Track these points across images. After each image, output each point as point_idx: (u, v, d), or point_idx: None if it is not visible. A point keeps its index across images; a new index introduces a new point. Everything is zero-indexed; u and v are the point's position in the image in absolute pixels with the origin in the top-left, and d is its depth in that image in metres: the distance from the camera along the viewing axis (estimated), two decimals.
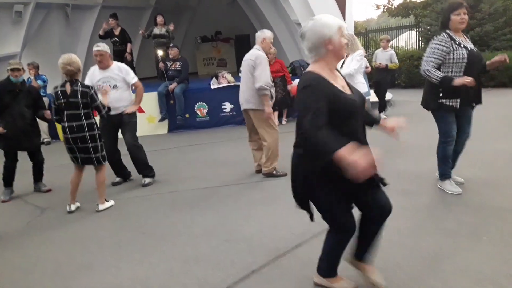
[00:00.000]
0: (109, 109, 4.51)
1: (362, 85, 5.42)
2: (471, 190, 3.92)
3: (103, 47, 4.84)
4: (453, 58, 3.59)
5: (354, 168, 1.84)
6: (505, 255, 2.75)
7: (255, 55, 4.73)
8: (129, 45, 9.44)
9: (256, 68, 4.66)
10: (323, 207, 2.29)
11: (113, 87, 4.84)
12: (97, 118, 4.53)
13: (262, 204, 4.09)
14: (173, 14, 14.16)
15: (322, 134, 1.96)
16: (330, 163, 1.95)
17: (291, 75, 8.40)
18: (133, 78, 5.02)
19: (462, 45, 3.60)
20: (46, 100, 7.56)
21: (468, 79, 3.46)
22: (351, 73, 5.07)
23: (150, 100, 8.18)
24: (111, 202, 4.45)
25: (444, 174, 3.95)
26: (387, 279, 2.56)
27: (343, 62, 5.32)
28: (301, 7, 9.36)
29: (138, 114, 5.21)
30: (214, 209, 4.09)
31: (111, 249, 3.42)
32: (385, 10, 20.99)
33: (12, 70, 4.81)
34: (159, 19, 9.40)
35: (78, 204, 4.45)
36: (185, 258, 3.14)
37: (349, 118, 2.13)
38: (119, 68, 4.94)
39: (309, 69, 2.20)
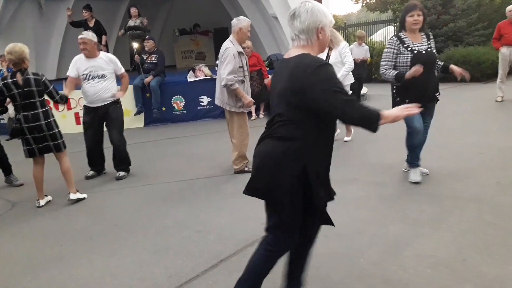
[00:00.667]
0: (66, 99, 4.50)
1: (349, 76, 5.62)
2: (435, 181, 4.07)
3: (87, 35, 4.81)
4: (399, 61, 3.79)
5: (402, 116, 1.94)
6: (461, 242, 2.89)
7: (224, 49, 4.62)
8: (104, 37, 9.30)
9: (221, 64, 4.57)
10: (287, 209, 2.05)
11: (101, 77, 4.83)
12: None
13: (235, 197, 4.14)
14: (151, 6, 14.01)
15: (359, 104, 1.90)
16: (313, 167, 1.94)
17: (268, 69, 8.46)
18: (121, 69, 5.06)
19: (409, 48, 3.75)
20: None
21: (412, 69, 3.60)
22: (351, 66, 5.43)
23: (126, 93, 8.10)
24: (84, 195, 4.45)
25: (411, 163, 4.13)
26: (349, 265, 2.67)
27: (328, 55, 5.45)
28: (278, 1, 9.42)
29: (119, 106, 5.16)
30: (187, 202, 4.14)
31: (82, 242, 3.44)
32: (364, 4, 21.27)
33: None
34: (133, 10, 9.28)
35: (49, 198, 4.43)
36: (155, 249, 3.19)
37: None
38: (108, 58, 4.96)
39: (303, 52, 1.98)
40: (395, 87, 3.93)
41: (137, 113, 8.24)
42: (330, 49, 5.48)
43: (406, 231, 3.10)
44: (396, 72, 3.80)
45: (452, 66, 3.90)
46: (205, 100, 8.56)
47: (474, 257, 2.67)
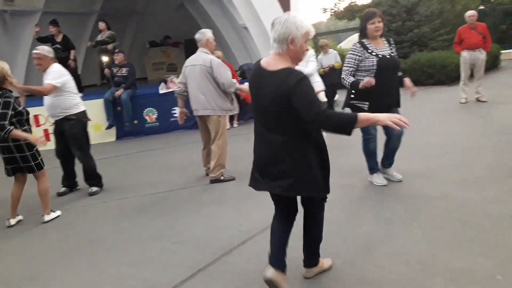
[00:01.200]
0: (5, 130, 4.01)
1: (319, 84, 5.72)
2: (404, 181, 4.21)
3: (41, 50, 4.68)
4: (365, 66, 3.89)
5: (381, 121, 2.13)
6: (431, 238, 3.01)
7: (209, 60, 4.67)
8: (72, 52, 9.16)
9: (220, 74, 4.64)
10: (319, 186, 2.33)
11: None
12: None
13: (211, 206, 4.17)
14: (120, 19, 13.95)
15: (331, 113, 2.11)
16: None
17: (240, 78, 8.54)
18: (48, 79, 4.64)
19: (374, 53, 3.87)
20: None
21: (366, 80, 3.75)
22: (311, 73, 5.40)
23: (97, 108, 8.02)
24: (58, 213, 4.37)
25: (371, 169, 4.24)
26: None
27: None
28: (247, 12, 9.54)
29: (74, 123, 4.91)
30: (163, 214, 4.12)
31: (58, 259, 3.38)
32: (332, 13, 21.74)
33: None
34: (100, 24, 9.17)
35: (20, 217, 4.33)
36: (133, 261, 3.17)
37: None
38: (50, 70, 4.72)
39: (284, 65, 2.19)
40: (353, 91, 3.98)
41: (109, 127, 8.13)
42: None
43: (379, 231, 3.20)
44: (352, 80, 3.91)
45: (406, 80, 4.01)
46: (178, 111, 8.51)
47: (444, 252, 2.79)
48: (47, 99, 4.77)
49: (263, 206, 3.91)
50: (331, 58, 8.46)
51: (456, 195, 3.72)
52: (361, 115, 2.10)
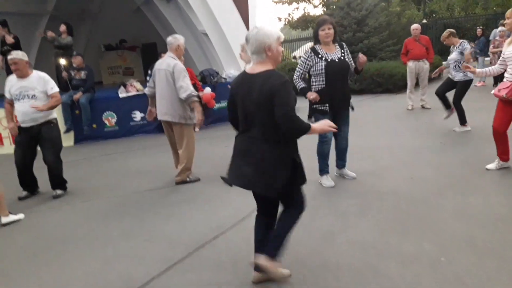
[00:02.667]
0: None
1: None
2: (358, 179, 4.58)
3: (17, 54, 4.65)
4: (315, 70, 4.21)
5: (317, 130, 2.51)
6: (383, 227, 3.36)
7: (172, 65, 4.72)
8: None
9: (178, 79, 4.67)
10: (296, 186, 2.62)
11: (31, 97, 4.70)
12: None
13: (179, 206, 4.31)
14: (73, 21, 13.62)
15: (297, 118, 2.39)
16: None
17: (201, 83, 8.68)
18: (52, 89, 4.81)
19: (323, 58, 4.17)
20: None
21: (312, 95, 4.15)
22: None
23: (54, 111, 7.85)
24: (20, 216, 4.32)
25: (321, 170, 4.53)
26: (289, 255, 2.99)
27: None
28: (207, 18, 9.72)
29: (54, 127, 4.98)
30: (131, 214, 4.21)
31: (27, 259, 3.40)
32: (286, 23, 22.35)
33: None
34: (61, 27, 8.99)
35: None
36: (105, 258, 3.27)
37: None
38: (38, 77, 4.77)
39: (266, 67, 2.46)
40: (305, 97, 4.29)
41: (67, 131, 7.97)
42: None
43: (336, 222, 3.51)
44: (302, 86, 4.25)
45: (357, 60, 4.29)
46: (138, 115, 8.54)
47: (395, 239, 3.13)
48: (23, 105, 4.69)
49: (229, 204, 4.14)
50: None
51: (404, 191, 4.13)
52: (313, 126, 2.48)
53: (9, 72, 8.60)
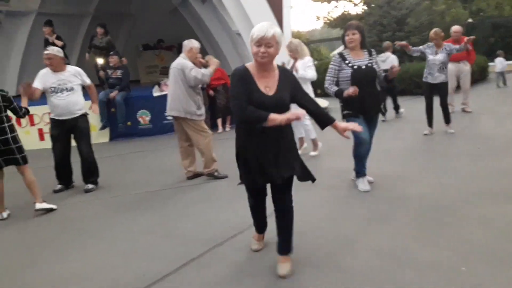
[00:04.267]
0: (27, 111, 4.62)
1: (309, 90, 5.90)
2: (384, 183, 4.46)
3: (51, 50, 4.93)
4: (342, 76, 4.15)
5: (280, 120, 2.45)
6: (405, 233, 3.25)
7: (180, 64, 4.96)
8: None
9: (188, 73, 4.88)
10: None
11: (69, 89, 4.95)
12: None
13: (200, 203, 4.38)
14: (113, 21, 14.12)
15: (249, 111, 2.48)
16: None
17: None
18: (86, 81, 5.19)
19: (350, 64, 4.11)
20: None
21: (350, 90, 3.99)
22: (311, 78, 5.61)
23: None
24: (54, 206, 4.54)
25: (358, 173, 4.43)
26: (307, 256, 2.97)
27: (294, 65, 5.78)
28: (240, 19, 9.79)
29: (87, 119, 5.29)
30: (154, 210, 4.32)
31: (53, 249, 3.56)
32: (325, 22, 22.12)
33: None
34: (99, 30, 9.32)
35: (8, 211, 4.50)
36: (125, 252, 3.37)
37: None
38: (75, 71, 5.08)
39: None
40: (341, 100, 4.25)
41: (102, 128, 8.31)
42: (296, 59, 5.83)
43: (358, 227, 3.44)
44: (336, 89, 4.17)
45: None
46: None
47: (414, 246, 3.03)
48: (64, 99, 4.94)
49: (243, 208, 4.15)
50: None
51: (431, 197, 3.98)
52: (271, 116, 2.45)
53: None
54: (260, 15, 9.69)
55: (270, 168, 2.65)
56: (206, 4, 11.47)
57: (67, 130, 5.09)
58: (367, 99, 4.13)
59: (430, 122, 6.55)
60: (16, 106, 4.45)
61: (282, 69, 2.75)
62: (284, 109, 2.59)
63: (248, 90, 2.55)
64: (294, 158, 2.75)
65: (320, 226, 3.53)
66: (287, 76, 2.71)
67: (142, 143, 8.05)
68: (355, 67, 4.11)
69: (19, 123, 7.85)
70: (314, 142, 5.95)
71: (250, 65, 2.66)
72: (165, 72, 14.90)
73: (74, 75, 5.06)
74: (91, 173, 5.23)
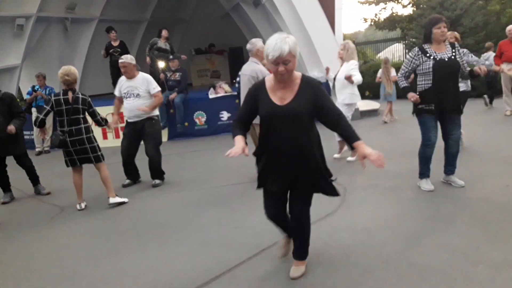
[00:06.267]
0: (106, 121, 5.04)
1: (355, 96, 5.95)
2: (449, 185, 4.41)
3: (126, 58, 5.32)
4: (422, 69, 4.09)
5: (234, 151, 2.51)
6: (474, 233, 3.25)
7: (256, 71, 4.95)
8: None
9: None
10: None
11: (136, 95, 5.31)
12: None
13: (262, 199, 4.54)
14: (167, 27, 14.70)
15: (233, 125, 2.74)
16: None
17: None
18: (154, 89, 5.41)
19: (432, 57, 4.03)
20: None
21: (413, 98, 4.03)
22: (358, 82, 5.70)
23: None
24: (125, 199, 4.88)
25: (422, 174, 4.39)
26: (375, 253, 3.05)
27: (339, 70, 5.89)
28: (293, 22, 9.93)
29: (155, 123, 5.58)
30: (220, 204, 4.54)
31: (132, 238, 3.85)
32: (372, 23, 21.80)
33: None
34: (164, 32, 9.70)
35: (85, 203, 4.88)
36: (199, 242, 3.60)
37: (268, 124, 2.62)
38: (143, 78, 5.40)
39: None
40: (419, 93, 4.15)
41: (162, 128, 8.69)
42: (343, 61, 5.93)
43: (424, 226, 3.48)
44: (405, 85, 4.20)
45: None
46: (225, 115, 9.04)
47: (486, 245, 3.04)
48: (131, 103, 5.32)
49: (313, 201, 4.27)
50: None
51: (498, 199, 3.92)
52: (236, 137, 2.64)
53: (114, 74, 9.68)
54: (313, 18, 9.81)
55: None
56: (259, 8, 11.70)
57: (135, 132, 5.44)
58: (446, 96, 4.03)
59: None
60: (95, 110, 4.84)
61: (306, 80, 2.61)
62: (297, 118, 2.55)
63: (257, 102, 2.63)
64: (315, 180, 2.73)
65: (386, 224, 3.59)
66: (310, 88, 2.57)
67: (198, 143, 8.38)
68: (438, 58, 4.01)
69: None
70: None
71: (269, 78, 2.67)
72: (215, 75, 15.44)
73: (142, 82, 5.36)
74: (154, 173, 5.57)
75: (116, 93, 5.55)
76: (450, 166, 4.39)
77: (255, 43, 5.17)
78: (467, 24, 13.44)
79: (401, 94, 5.22)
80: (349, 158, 5.90)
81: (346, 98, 5.83)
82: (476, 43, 13.19)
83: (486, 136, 6.61)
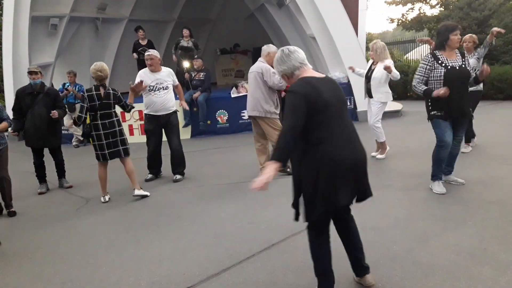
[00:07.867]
0: (132, 106, 5.26)
1: (389, 95, 6.01)
2: (463, 186, 4.44)
3: (153, 52, 5.61)
4: (434, 76, 4.12)
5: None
6: (483, 235, 3.29)
7: (260, 67, 5.31)
8: None
9: (268, 78, 5.22)
10: None
11: (165, 88, 5.57)
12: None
13: (279, 196, 4.64)
14: (194, 27, 15.02)
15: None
16: None
17: None
18: (176, 81, 5.83)
19: (443, 64, 4.07)
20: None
21: (441, 91, 3.96)
22: (395, 78, 5.73)
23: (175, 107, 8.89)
24: (147, 193, 5.11)
25: (434, 175, 4.41)
26: (383, 251, 3.13)
27: (371, 69, 5.91)
28: (316, 23, 9.99)
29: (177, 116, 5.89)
30: (237, 200, 4.71)
31: (152, 229, 4.06)
32: (399, 23, 21.54)
33: (29, 73, 5.57)
34: (185, 31, 10.02)
35: (109, 196, 5.13)
36: (215, 235, 3.77)
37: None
38: (169, 72, 5.70)
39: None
40: (429, 101, 4.21)
41: (185, 126, 8.96)
42: (374, 63, 5.96)
43: (434, 226, 3.53)
44: (425, 88, 4.16)
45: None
46: (246, 114, 9.17)
47: (494, 247, 3.07)
48: (161, 96, 5.54)
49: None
50: None
51: (511, 202, 3.92)
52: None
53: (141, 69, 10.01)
54: (336, 19, 9.83)
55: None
56: (283, 9, 11.81)
57: (161, 125, 5.67)
58: (458, 101, 4.08)
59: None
60: (125, 103, 5.09)
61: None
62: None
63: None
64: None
65: (397, 223, 3.66)
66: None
67: (220, 141, 8.57)
68: (449, 67, 4.06)
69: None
70: (383, 145, 6.02)
71: None
72: (239, 75, 15.63)
73: (168, 75, 5.65)
74: (179, 164, 5.78)
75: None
76: (449, 167, 4.51)
77: (269, 47, 5.54)
78: (496, 25, 13.11)
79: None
80: (379, 156, 5.98)
81: (382, 96, 5.88)
82: (504, 44, 12.87)
83: (509, 139, 6.50)
